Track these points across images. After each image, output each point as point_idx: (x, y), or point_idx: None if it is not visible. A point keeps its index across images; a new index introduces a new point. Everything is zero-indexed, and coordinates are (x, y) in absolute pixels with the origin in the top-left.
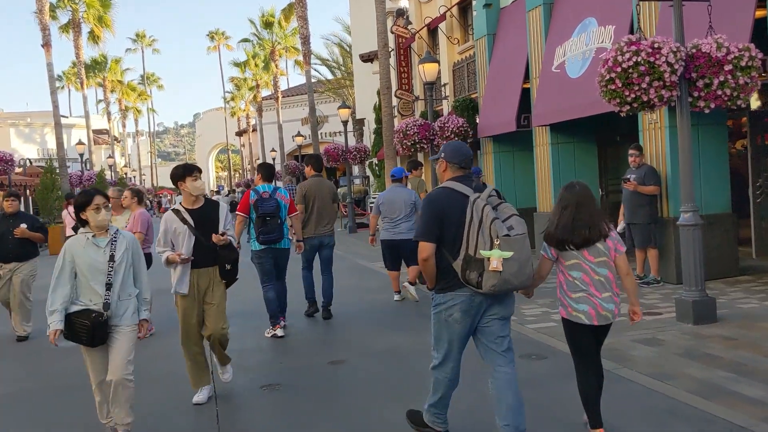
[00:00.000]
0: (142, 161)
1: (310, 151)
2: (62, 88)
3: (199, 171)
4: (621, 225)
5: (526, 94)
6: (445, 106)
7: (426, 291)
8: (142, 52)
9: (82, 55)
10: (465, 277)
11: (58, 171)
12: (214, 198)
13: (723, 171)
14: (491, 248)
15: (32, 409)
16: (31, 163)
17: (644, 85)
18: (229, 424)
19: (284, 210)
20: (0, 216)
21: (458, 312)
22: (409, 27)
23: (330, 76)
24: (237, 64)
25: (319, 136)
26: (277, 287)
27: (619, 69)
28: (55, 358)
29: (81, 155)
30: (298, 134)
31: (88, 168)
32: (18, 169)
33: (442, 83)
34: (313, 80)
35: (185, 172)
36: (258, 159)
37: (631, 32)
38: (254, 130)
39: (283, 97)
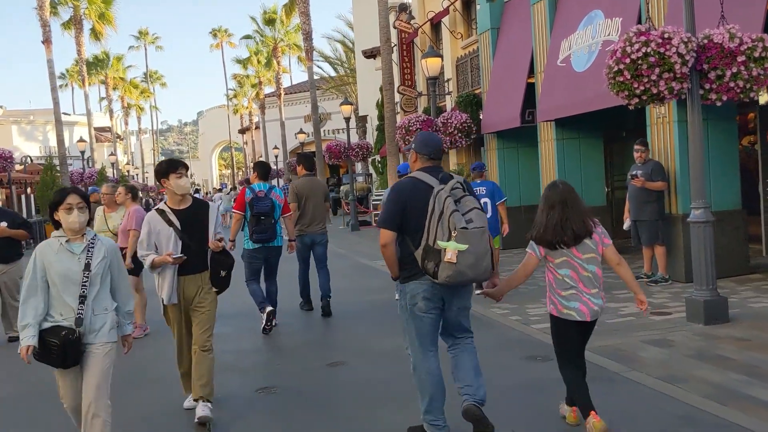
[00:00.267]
0: (146, 159)
1: (312, 148)
2: (65, 86)
3: (185, 168)
4: (627, 222)
5: (530, 89)
6: (449, 102)
7: None
8: (145, 49)
9: (84, 53)
10: (423, 266)
11: (58, 168)
12: (216, 197)
13: (733, 167)
14: (449, 239)
15: (21, 413)
16: (32, 160)
17: (654, 77)
18: (222, 430)
19: (278, 210)
20: None
21: (421, 300)
22: (412, 22)
23: (333, 74)
24: (239, 61)
25: (322, 134)
26: (268, 286)
27: (627, 60)
28: None
29: (82, 153)
30: (301, 131)
31: (90, 165)
32: (19, 167)
33: (446, 79)
34: (315, 77)
35: (169, 168)
36: (261, 156)
37: (640, 24)
38: (257, 127)
39: (286, 94)
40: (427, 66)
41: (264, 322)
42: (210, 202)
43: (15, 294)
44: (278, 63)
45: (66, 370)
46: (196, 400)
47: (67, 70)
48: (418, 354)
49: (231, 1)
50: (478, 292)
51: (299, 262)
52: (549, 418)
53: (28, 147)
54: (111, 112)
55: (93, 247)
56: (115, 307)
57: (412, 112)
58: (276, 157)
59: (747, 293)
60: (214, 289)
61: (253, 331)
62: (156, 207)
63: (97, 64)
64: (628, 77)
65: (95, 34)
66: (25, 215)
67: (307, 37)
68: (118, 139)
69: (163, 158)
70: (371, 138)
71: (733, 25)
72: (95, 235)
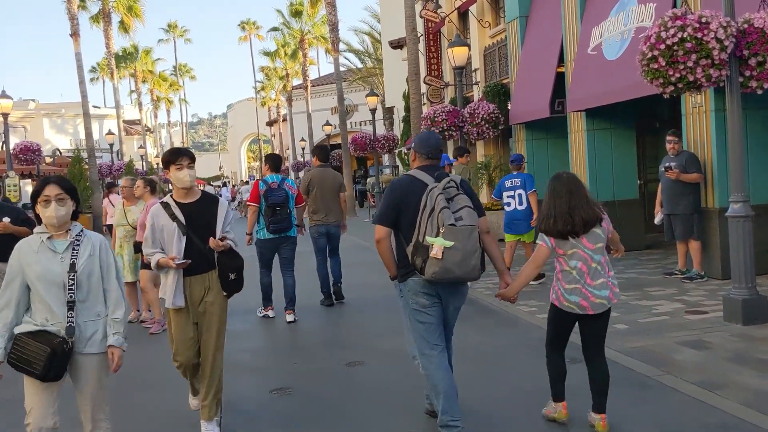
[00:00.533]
0: None
1: (339, 140)
2: (96, 79)
3: (190, 158)
4: (658, 216)
5: (560, 78)
6: (476, 92)
7: None
8: (174, 42)
9: (113, 46)
10: (412, 261)
11: (87, 161)
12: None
13: None
14: (437, 236)
15: None
16: (60, 153)
17: (690, 64)
18: None
19: (292, 200)
20: None
21: (422, 296)
22: (439, 11)
23: (360, 65)
24: (267, 54)
25: (350, 125)
26: (286, 280)
27: (662, 46)
28: None
29: (111, 145)
30: (327, 123)
31: (119, 158)
32: (49, 160)
33: (473, 68)
34: (342, 69)
35: (170, 157)
36: (288, 149)
37: (675, 8)
38: (284, 119)
39: (313, 86)
40: (454, 55)
41: (261, 315)
42: (220, 198)
43: None
44: (305, 55)
45: (43, 384)
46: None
47: (98, 64)
48: (425, 352)
49: None
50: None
51: (316, 253)
52: (579, 427)
53: (58, 140)
54: (140, 105)
55: (78, 244)
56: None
57: (438, 103)
58: (303, 149)
59: None
60: (224, 293)
61: (270, 328)
62: (161, 200)
63: (126, 57)
64: (663, 64)
65: (124, 27)
66: None
67: (333, 28)
68: (148, 132)
69: (194, 151)
70: (398, 129)
71: None
72: (82, 229)
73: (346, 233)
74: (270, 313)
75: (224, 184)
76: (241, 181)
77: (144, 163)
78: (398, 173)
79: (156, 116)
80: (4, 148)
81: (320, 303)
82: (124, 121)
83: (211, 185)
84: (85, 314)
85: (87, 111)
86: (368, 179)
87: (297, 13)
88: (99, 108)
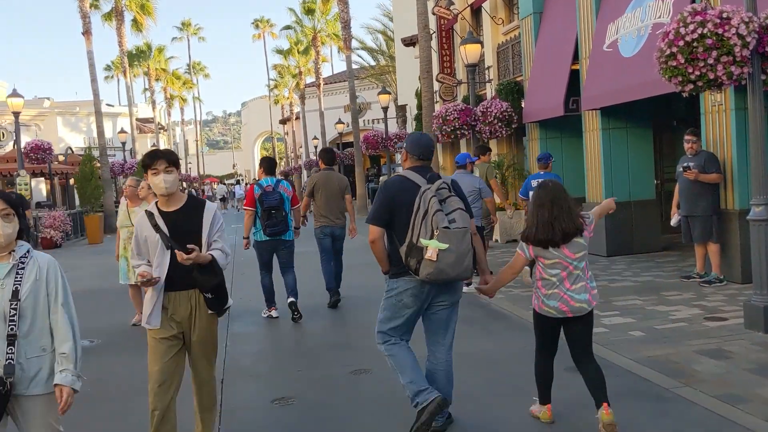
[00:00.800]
0: (190, 150)
1: (351, 138)
2: (111, 77)
3: (168, 162)
4: (675, 218)
5: (575, 76)
6: (489, 90)
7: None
8: (188, 41)
9: (125, 44)
10: (406, 262)
11: (99, 159)
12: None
13: None
14: (431, 238)
15: None
16: (72, 151)
17: (711, 61)
18: None
19: (287, 202)
20: None
21: (409, 297)
22: (452, 8)
23: (373, 63)
24: (279, 52)
25: (362, 124)
26: (287, 279)
27: (681, 43)
28: None
29: (123, 144)
30: (339, 121)
31: (131, 156)
32: (62, 158)
33: (486, 66)
34: (355, 66)
35: (146, 161)
36: (301, 147)
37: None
38: (297, 118)
39: (325, 84)
40: (466, 53)
41: (266, 315)
42: (209, 202)
43: None
44: (317, 53)
45: None
46: None
47: (113, 62)
48: (388, 330)
49: None
50: (465, 289)
51: (320, 253)
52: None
53: (72, 138)
54: (153, 103)
55: (23, 268)
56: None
57: (451, 101)
58: (315, 147)
59: None
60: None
61: (274, 330)
62: (146, 209)
63: (139, 55)
64: (682, 61)
65: (136, 26)
66: (67, 206)
67: (346, 25)
68: (161, 130)
69: (208, 149)
70: (411, 128)
71: None
72: (29, 249)
73: (356, 235)
74: (273, 313)
75: (237, 182)
76: (254, 179)
77: None
78: None
79: (170, 114)
80: (16, 147)
81: (327, 306)
82: (137, 119)
83: (224, 183)
84: (29, 349)
85: (99, 109)
86: (381, 177)
87: (310, 11)
88: (112, 106)
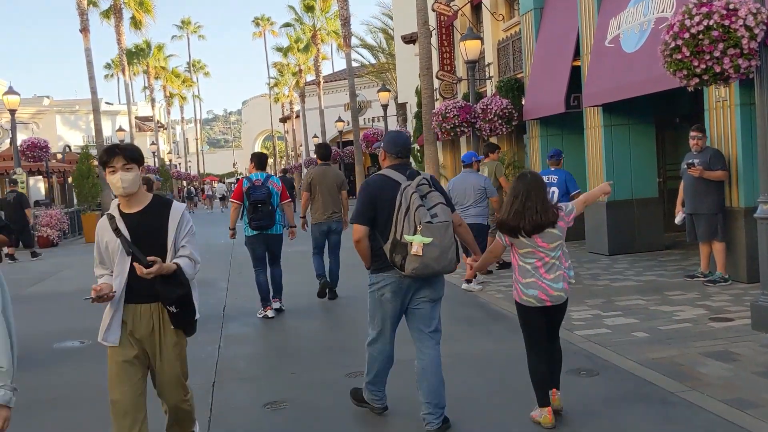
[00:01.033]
0: (191, 148)
1: (351, 137)
2: (111, 76)
3: (127, 158)
4: (680, 216)
5: (576, 72)
6: (489, 87)
7: (464, 291)
8: (188, 39)
9: (124, 42)
10: (391, 259)
11: (96, 157)
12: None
13: None
14: (414, 233)
15: None
16: (70, 149)
17: (717, 54)
18: None
19: (276, 197)
20: None
21: (389, 292)
22: (452, 4)
23: (373, 61)
24: (279, 50)
25: (363, 122)
26: (272, 271)
27: (686, 35)
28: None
29: (121, 142)
30: (339, 120)
31: None
32: (60, 156)
33: (486, 63)
34: (355, 65)
35: (103, 157)
36: (301, 145)
37: None
38: (297, 116)
39: (326, 82)
40: (466, 49)
41: (261, 315)
42: (177, 202)
43: None
44: (318, 50)
45: None
46: None
47: (113, 61)
48: (377, 335)
49: None
50: (464, 286)
51: (314, 248)
52: None
53: (71, 136)
54: (153, 101)
55: None
56: None
57: (451, 99)
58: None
59: None
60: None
61: (269, 332)
62: (107, 211)
63: (138, 53)
64: (687, 54)
65: (135, 23)
66: (66, 205)
67: (345, 22)
68: (161, 129)
69: (209, 147)
70: (411, 126)
71: None
72: None
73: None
74: (269, 313)
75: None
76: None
77: (156, 159)
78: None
79: (169, 113)
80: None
81: (317, 295)
82: (137, 118)
83: (223, 182)
84: None
85: (97, 107)
86: None
87: (309, 8)
88: (112, 104)
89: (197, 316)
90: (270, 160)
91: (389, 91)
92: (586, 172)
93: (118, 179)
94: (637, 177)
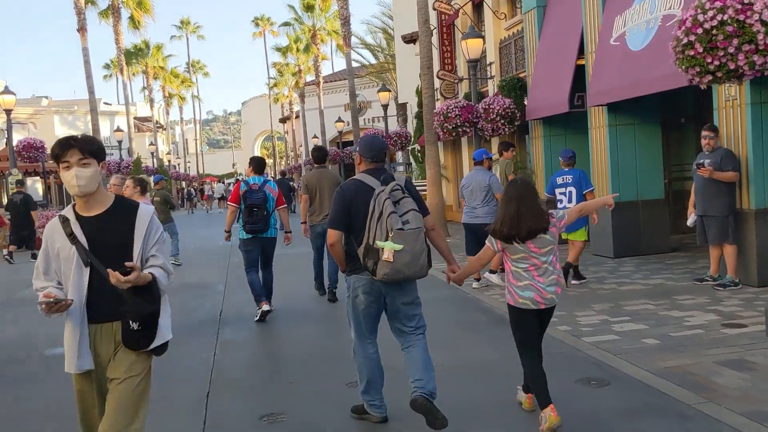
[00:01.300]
0: (191, 149)
1: (351, 137)
2: (110, 76)
3: (84, 152)
4: (692, 217)
5: (580, 71)
6: (491, 87)
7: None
8: (187, 39)
9: (122, 42)
10: (364, 263)
11: None
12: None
13: None
14: (386, 239)
15: None
16: None
17: (731, 50)
18: None
19: (272, 202)
20: None
21: (361, 293)
22: (453, 3)
23: (374, 61)
24: (279, 49)
25: (363, 122)
26: (264, 275)
27: (699, 30)
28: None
29: (119, 142)
30: (339, 120)
31: (128, 155)
32: None
33: (488, 62)
34: (355, 65)
35: (57, 150)
36: (301, 146)
37: None
38: (297, 116)
39: (325, 82)
40: (468, 48)
41: (258, 316)
42: (144, 205)
43: None
44: (318, 50)
45: None
46: None
47: (112, 61)
48: (357, 340)
49: None
50: (474, 285)
51: (313, 251)
52: None
53: None
54: (152, 101)
55: None
56: None
57: (452, 98)
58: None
59: None
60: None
61: (266, 338)
62: (60, 213)
63: (137, 53)
64: (700, 50)
65: (134, 23)
66: (63, 206)
67: (345, 22)
68: (160, 129)
69: (207, 148)
70: (411, 126)
71: None
72: None
73: None
74: (265, 307)
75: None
76: None
77: (155, 160)
78: (411, 171)
79: (168, 113)
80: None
81: (314, 288)
82: (136, 118)
83: (223, 183)
84: None
85: (94, 107)
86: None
87: (309, 8)
88: (110, 105)
89: (170, 337)
90: (270, 161)
91: (389, 91)
92: (591, 173)
93: (73, 176)
94: (642, 178)
